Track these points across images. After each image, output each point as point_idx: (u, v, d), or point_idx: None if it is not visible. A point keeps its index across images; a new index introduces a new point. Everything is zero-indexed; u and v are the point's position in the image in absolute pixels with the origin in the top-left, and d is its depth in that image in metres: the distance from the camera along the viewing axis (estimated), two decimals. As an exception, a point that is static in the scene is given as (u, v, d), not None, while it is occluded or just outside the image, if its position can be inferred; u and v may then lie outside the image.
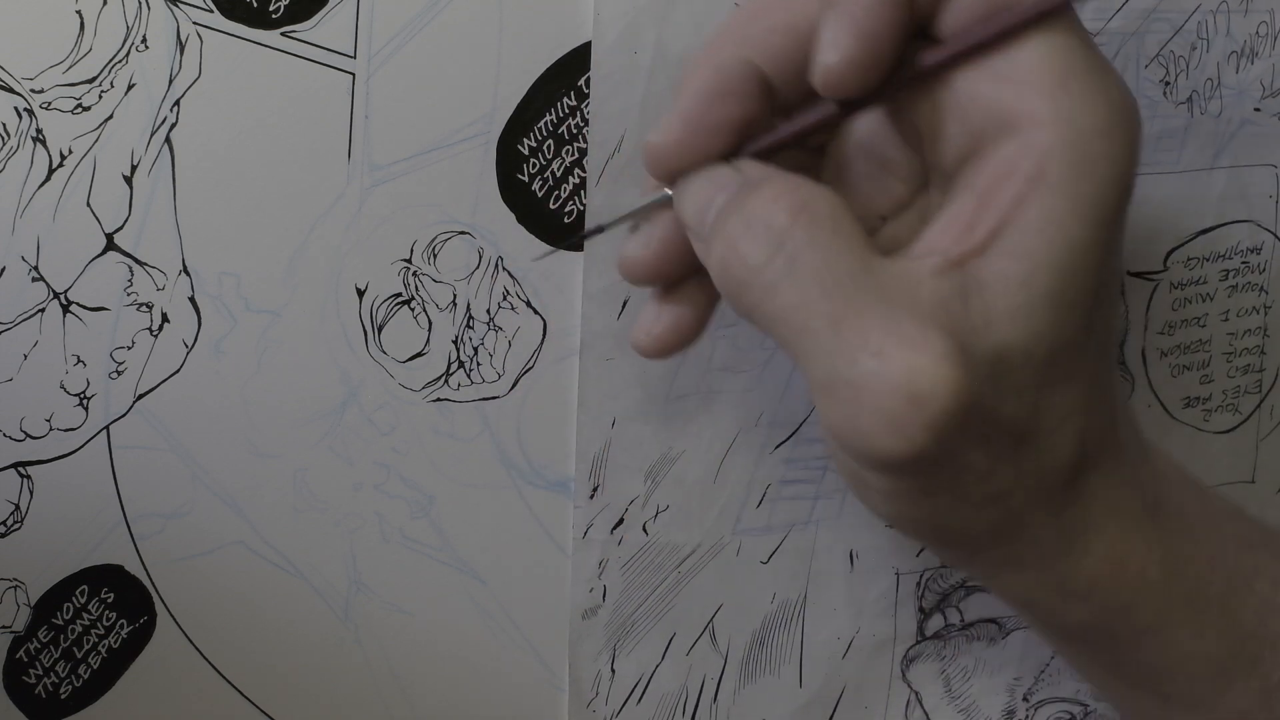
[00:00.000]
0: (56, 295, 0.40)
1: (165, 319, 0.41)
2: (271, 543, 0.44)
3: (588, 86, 0.42)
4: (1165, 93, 0.48)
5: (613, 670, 0.48)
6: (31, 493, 0.41)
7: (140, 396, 0.41)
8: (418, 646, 0.46)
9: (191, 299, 0.41)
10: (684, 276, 0.37)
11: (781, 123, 0.35)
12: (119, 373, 0.41)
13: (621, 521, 0.47)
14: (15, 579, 0.42)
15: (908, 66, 0.33)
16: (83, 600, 0.43)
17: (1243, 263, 0.51)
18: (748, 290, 0.34)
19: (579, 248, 0.43)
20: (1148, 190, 0.49)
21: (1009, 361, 0.32)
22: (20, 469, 0.41)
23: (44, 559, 0.42)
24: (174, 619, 0.44)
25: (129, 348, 0.41)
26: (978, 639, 0.52)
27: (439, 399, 0.44)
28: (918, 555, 0.50)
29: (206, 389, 0.42)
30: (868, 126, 0.37)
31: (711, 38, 0.36)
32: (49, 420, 0.41)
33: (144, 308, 0.41)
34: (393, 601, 0.45)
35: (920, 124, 0.35)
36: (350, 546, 0.45)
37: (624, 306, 0.44)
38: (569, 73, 0.42)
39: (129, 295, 0.41)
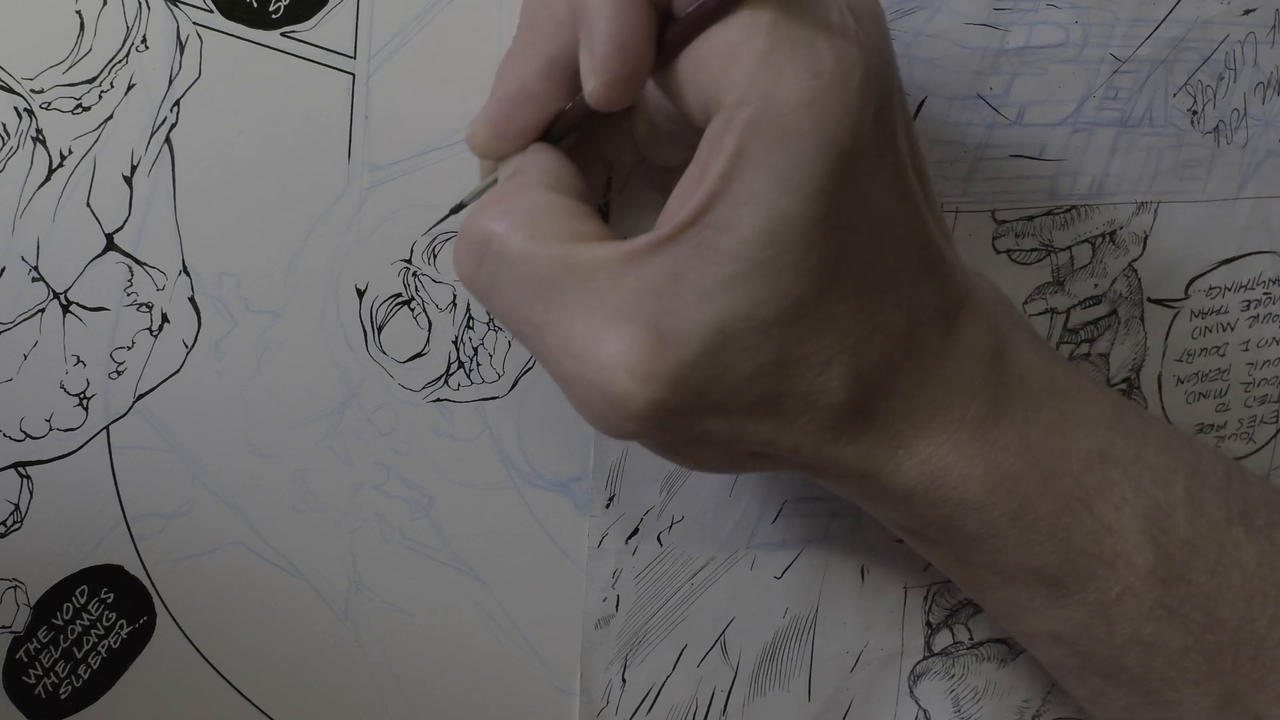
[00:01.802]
0: (56, 295, 0.40)
1: (165, 319, 0.41)
2: (271, 543, 0.44)
3: (588, 87, 0.42)
4: (1193, 122, 0.49)
5: (624, 680, 0.48)
6: (31, 493, 0.41)
7: (140, 396, 0.41)
8: (418, 647, 0.46)
9: (191, 299, 0.41)
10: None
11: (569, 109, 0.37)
12: (119, 373, 0.41)
13: (636, 532, 0.47)
14: (15, 579, 0.42)
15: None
16: (82, 600, 0.43)
17: (1265, 293, 0.52)
18: (474, 295, 0.37)
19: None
20: (1172, 218, 0.49)
21: (731, 330, 0.33)
22: (20, 469, 0.41)
23: (44, 559, 0.42)
24: (174, 619, 0.44)
25: (129, 348, 0.41)
26: (987, 660, 0.52)
27: (439, 399, 0.44)
28: (925, 570, 0.50)
29: (206, 389, 0.42)
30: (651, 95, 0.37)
31: (513, 42, 0.38)
32: (49, 420, 0.41)
33: (144, 308, 0.41)
34: (393, 602, 0.45)
35: (673, 94, 0.35)
36: (350, 547, 0.45)
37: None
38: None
39: (129, 295, 0.41)
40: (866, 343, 0.35)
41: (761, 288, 0.33)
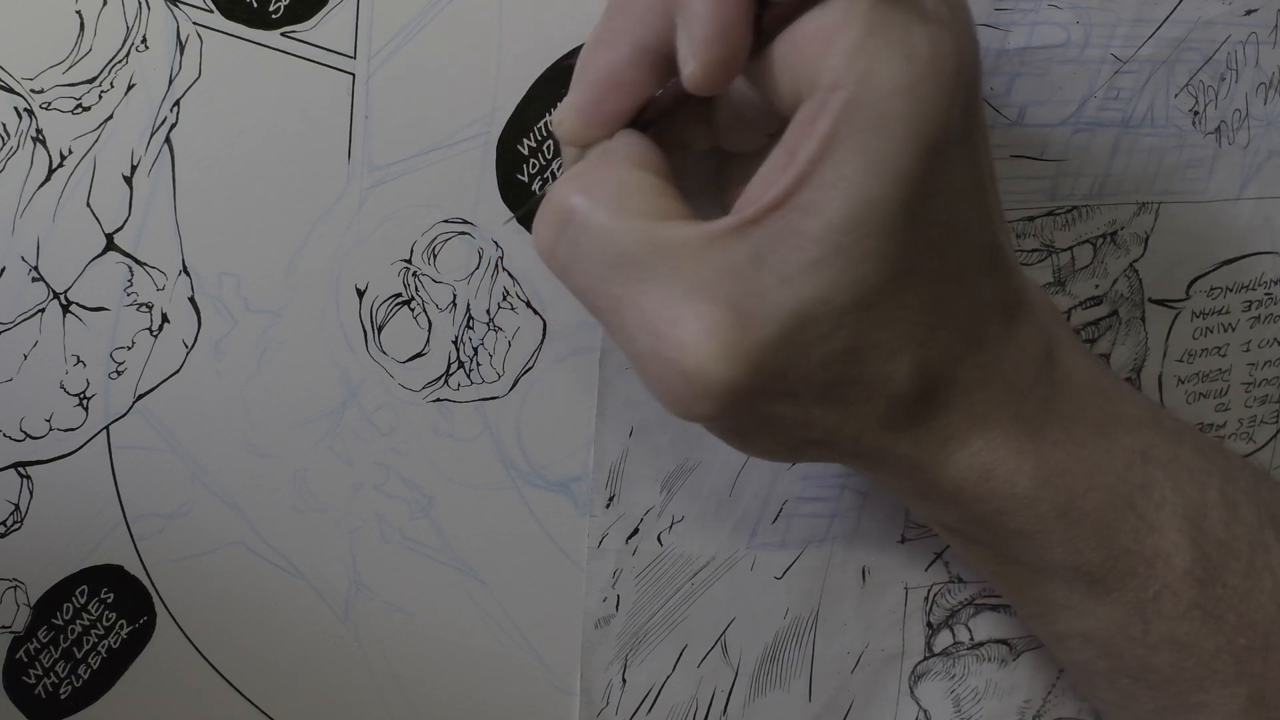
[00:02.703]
0: (56, 295, 0.40)
1: (165, 319, 0.41)
2: (271, 543, 0.44)
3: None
4: (1194, 122, 0.48)
5: (624, 680, 0.48)
6: (31, 493, 0.41)
7: (140, 397, 0.41)
8: (418, 647, 0.46)
9: (191, 299, 0.41)
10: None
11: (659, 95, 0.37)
12: (119, 373, 0.41)
13: (637, 531, 0.47)
14: (15, 579, 0.42)
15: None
16: (82, 600, 0.43)
17: (1266, 294, 0.52)
18: (552, 270, 0.36)
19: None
20: (1173, 218, 0.49)
21: (809, 314, 0.33)
22: (20, 469, 0.41)
23: (44, 559, 0.42)
24: (174, 619, 0.44)
25: (129, 348, 0.41)
26: (988, 660, 0.52)
27: (439, 399, 0.44)
28: (926, 570, 0.50)
29: (206, 389, 0.42)
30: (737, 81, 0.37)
31: (599, 27, 0.37)
32: (49, 420, 0.41)
33: (144, 308, 0.41)
34: (393, 602, 0.45)
35: (762, 79, 0.35)
36: (350, 546, 0.45)
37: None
38: (570, 73, 0.42)
39: (129, 295, 0.41)
40: (934, 334, 0.35)
41: (842, 273, 0.33)
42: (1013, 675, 0.53)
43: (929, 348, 0.35)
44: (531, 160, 0.42)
